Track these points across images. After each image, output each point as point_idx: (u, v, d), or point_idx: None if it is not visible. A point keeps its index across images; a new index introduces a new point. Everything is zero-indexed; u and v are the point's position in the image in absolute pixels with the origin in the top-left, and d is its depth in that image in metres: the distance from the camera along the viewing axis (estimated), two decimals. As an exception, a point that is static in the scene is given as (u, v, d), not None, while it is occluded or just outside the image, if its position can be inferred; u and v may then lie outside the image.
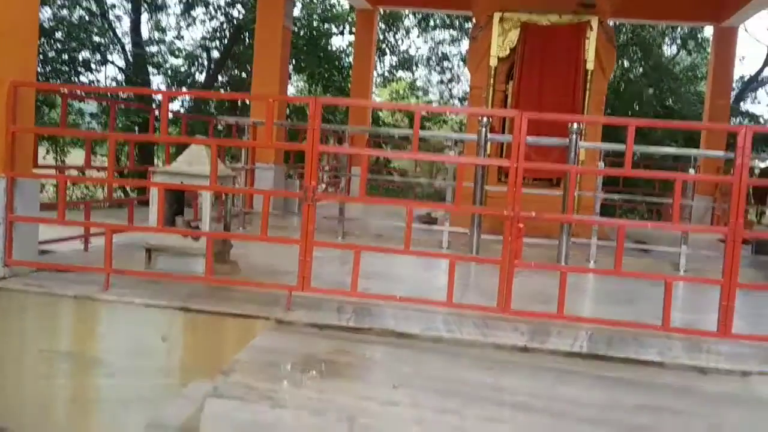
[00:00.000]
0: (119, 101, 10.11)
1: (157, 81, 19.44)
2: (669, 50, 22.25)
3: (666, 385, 3.27)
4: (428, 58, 24.41)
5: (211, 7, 19.54)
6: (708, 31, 17.45)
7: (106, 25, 18.06)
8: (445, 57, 24.34)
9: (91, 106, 16.07)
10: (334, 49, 20.81)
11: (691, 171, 6.83)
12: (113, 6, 18.37)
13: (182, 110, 17.86)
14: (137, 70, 18.04)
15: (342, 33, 20.82)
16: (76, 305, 4.02)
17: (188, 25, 19.85)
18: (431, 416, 2.65)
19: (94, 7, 17.74)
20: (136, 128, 14.67)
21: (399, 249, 4.21)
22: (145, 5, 18.99)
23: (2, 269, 4.20)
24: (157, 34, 19.74)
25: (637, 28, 19.18)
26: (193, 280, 4.32)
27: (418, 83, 25.68)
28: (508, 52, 8.02)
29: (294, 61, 18.48)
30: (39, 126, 9.80)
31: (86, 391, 4.02)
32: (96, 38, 17.02)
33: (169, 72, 19.48)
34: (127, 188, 14.17)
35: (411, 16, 22.31)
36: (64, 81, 15.86)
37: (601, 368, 3.43)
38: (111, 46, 18.10)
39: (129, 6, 18.53)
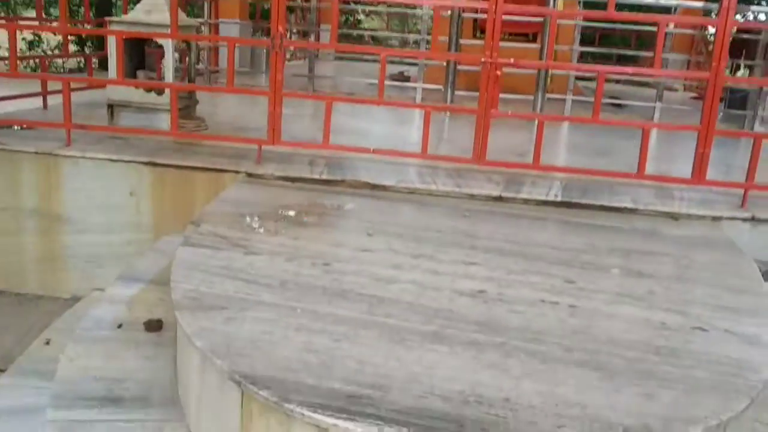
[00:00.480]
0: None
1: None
2: None
3: (638, 229, 3.30)
4: None
5: None
6: None
7: None
8: None
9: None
10: None
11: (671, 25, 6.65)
12: None
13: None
14: None
15: None
16: (38, 162, 3.87)
17: None
18: (406, 260, 2.64)
19: None
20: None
21: (372, 100, 4.07)
22: None
23: (-45, 125, 4.00)
24: None
25: None
26: (158, 135, 4.17)
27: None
28: None
29: None
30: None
31: (55, 249, 3.97)
32: None
33: None
34: (85, 49, 13.53)
35: None
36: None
37: (575, 215, 3.43)
38: None
39: None
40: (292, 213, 3.17)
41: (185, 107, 4.57)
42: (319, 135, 3.91)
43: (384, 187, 3.66)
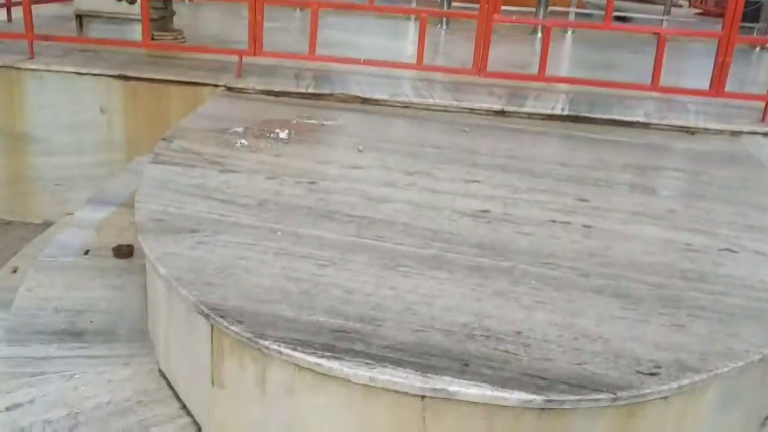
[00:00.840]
0: None
1: None
2: None
3: (653, 145, 3.03)
4: None
5: None
6: None
7: None
8: None
9: None
10: None
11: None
12: None
13: None
14: None
15: None
16: (-2, 76, 3.55)
17: None
18: (401, 178, 2.37)
19: None
20: None
21: (362, 5, 3.73)
22: None
23: None
24: None
25: None
26: (129, 46, 3.84)
27: None
28: None
29: None
30: None
31: (22, 171, 3.68)
32: None
33: None
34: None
35: None
36: None
37: (584, 130, 3.15)
38: None
39: None
40: (274, 128, 2.88)
41: (160, 18, 4.20)
42: (306, 48, 3.59)
43: (376, 101, 3.36)
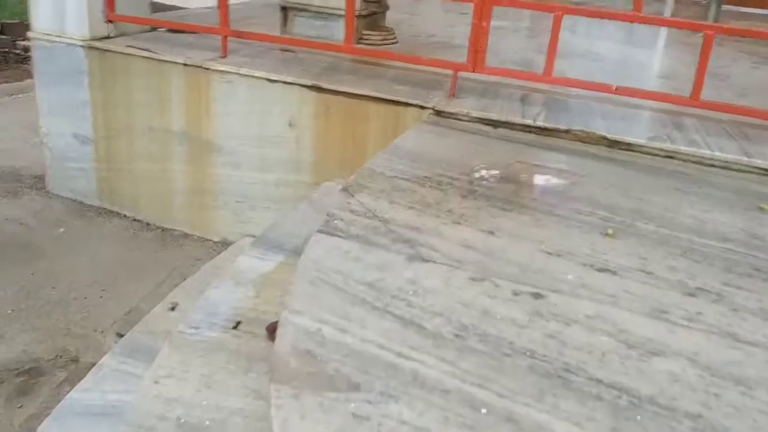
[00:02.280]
0: None
1: None
2: None
3: None
4: None
5: None
6: None
7: None
8: None
9: None
10: None
11: None
12: None
13: None
14: None
15: None
16: (186, 75, 3.18)
17: None
18: (676, 300, 1.55)
19: None
20: None
21: (624, 14, 2.87)
22: None
23: (105, 26, 3.40)
24: None
25: None
26: (325, 48, 3.30)
27: None
28: None
29: None
30: None
31: (205, 182, 3.32)
32: None
33: None
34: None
35: None
36: None
37: None
38: None
39: None
40: (487, 180, 2.17)
41: (370, 14, 3.66)
42: (537, 58, 2.84)
43: (628, 146, 2.53)
